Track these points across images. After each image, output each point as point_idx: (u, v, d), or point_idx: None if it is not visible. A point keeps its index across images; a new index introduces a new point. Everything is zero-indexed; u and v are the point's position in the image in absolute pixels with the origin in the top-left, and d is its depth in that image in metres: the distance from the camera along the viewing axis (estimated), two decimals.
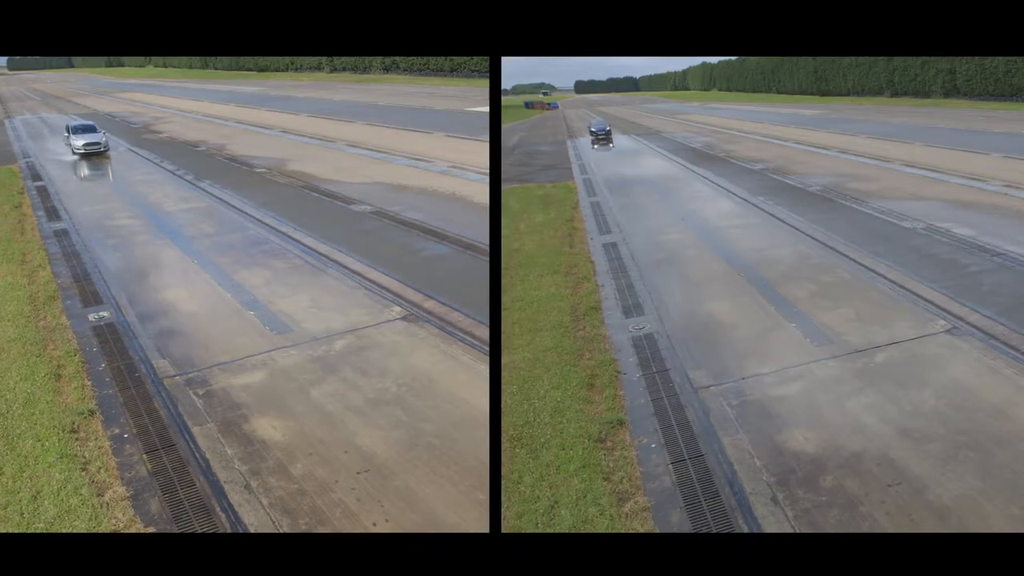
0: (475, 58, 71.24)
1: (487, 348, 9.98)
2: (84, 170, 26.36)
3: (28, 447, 7.64)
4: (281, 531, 6.46)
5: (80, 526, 6.47)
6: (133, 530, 6.46)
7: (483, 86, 65.03)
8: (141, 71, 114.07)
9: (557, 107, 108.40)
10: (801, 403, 8.58)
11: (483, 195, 19.96)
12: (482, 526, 6.54)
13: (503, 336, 10.85)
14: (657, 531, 6.52)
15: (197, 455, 7.59)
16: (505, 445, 7.84)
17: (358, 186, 21.85)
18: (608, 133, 47.93)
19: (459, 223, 16.92)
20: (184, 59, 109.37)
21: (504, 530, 6.54)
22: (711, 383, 9.23)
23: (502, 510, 6.78)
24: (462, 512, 6.68)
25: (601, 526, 6.52)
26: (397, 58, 78.88)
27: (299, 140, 33.22)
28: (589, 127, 50.97)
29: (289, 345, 10.23)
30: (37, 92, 72.69)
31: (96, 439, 7.84)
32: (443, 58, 74.50)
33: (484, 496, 6.87)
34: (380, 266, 13.66)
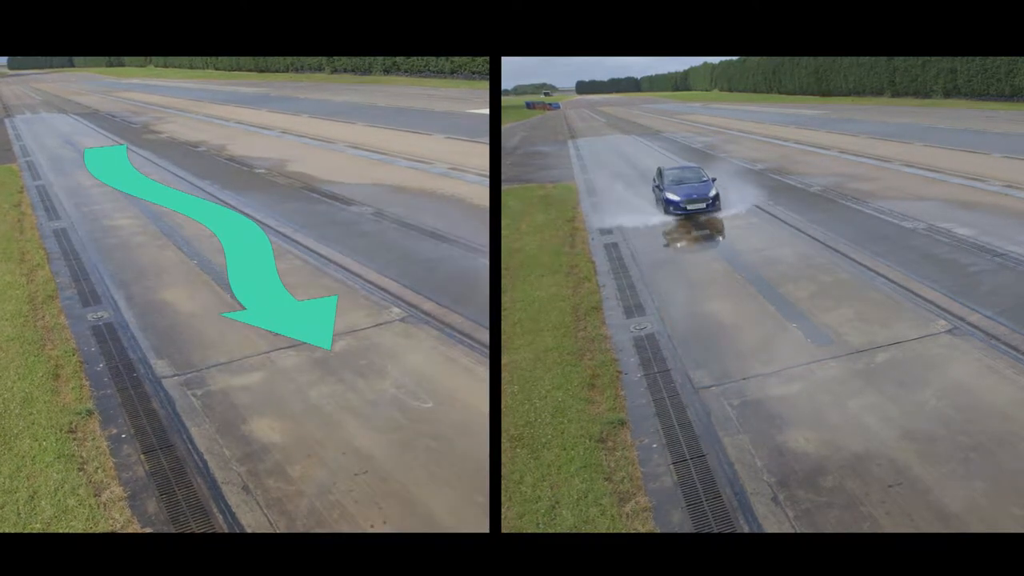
0: (476, 60, 71.00)
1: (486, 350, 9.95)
2: None
3: (25, 447, 7.63)
4: (279, 531, 6.44)
5: (77, 526, 6.45)
6: (130, 530, 6.45)
7: (484, 88, 64.91)
8: (142, 71, 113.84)
9: (559, 107, 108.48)
10: (802, 403, 8.56)
11: (481, 197, 19.93)
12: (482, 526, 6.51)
13: (504, 336, 10.83)
14: (658, 531, 6.50)
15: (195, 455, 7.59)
16: (506, 445, 7.82)
17: (357, 187, 21.84)
18: (714, 202, 18.95)
19: (458, 224, 16.90)
20: (185, 59, 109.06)
21: (504, 530, 6.52)
22: (712, 383, 9.21)
23: (502, 510, 6.76)
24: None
25: (602, 526, 6.50)
26: (398, 59, 78.60)
27: (299, 141, 33.19)
28: (657, 186, 20.40)
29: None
30: (41, 92, 72.69)
31: (94, 439, 7.83)
32: (444, 60, 74.29)
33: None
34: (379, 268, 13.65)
